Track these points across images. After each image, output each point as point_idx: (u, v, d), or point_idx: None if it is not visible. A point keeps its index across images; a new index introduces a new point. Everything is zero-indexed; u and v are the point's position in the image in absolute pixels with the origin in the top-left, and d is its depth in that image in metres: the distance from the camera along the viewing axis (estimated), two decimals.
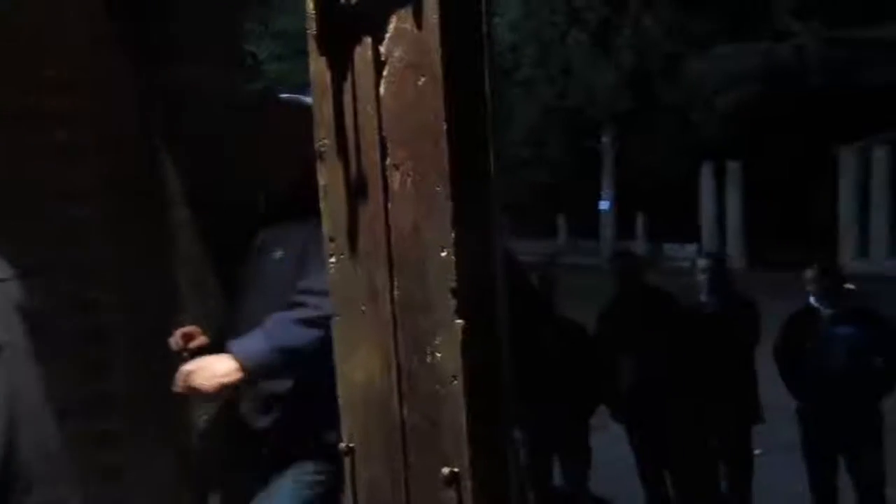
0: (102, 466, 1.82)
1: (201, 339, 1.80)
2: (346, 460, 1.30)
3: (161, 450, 1.94)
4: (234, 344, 1.69)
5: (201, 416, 1.99)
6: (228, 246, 2.12)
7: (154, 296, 1.97)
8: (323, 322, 1.62)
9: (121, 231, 1.86)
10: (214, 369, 1.64)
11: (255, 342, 1.66)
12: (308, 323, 1.64)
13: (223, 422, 1.94)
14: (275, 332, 1.66)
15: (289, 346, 1.64)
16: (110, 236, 1.84)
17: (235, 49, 2.36)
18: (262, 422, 1.82)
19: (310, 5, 1.20)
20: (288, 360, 1.67)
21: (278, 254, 1.82)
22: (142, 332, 1.88)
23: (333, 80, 1.19)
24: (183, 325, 1.88)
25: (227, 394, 1.72)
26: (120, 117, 1.88)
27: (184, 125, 2.01)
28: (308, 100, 1.34)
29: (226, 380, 1.63)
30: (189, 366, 1.66)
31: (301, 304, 1.67)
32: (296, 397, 1.79)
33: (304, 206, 1.69)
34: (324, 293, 1.65)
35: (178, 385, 1.65)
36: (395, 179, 1.11)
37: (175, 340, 1.81)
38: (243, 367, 1.63)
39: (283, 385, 1.78)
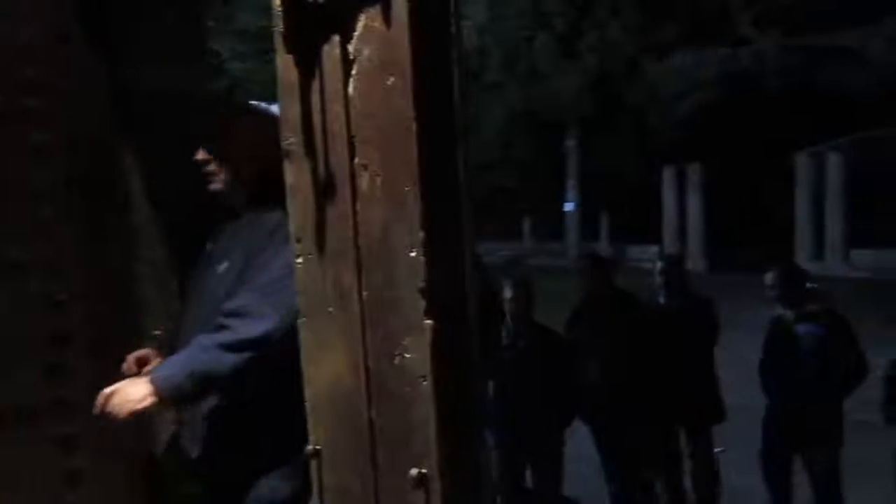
0: (63, 472, 1.77)
1: (157, 362, 1.74)
2: (313, 464, 1.28)
3: (121, 457, 1.89)
4: (155, 368, 1.65)
5: (166, 431, 1.94)
6: (192, 248, 2.08)
7: (119, 297, 1.93)
8: (245, 346, 1.57)
9: (88, 231, 1.82)
10: (128, 394, 1.56)
11: (172, 367, 1.60)
12: (227, 348, 1.58)
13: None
14: (192, 356, 1.59)
15: (204, 372, 1.57)
16: (78, 236, 1.79)
17: (199, 48, 2.33)
18: (194, 451, 1.76)
19: (276, 2, 1.18)
20: (203, 387, 1.60)
21: (222, 266, 1.75)
22: (105, 334, 1.83)
23: (301, 78, 1.18)
24: (143, 340, 1.83)
25: (163, 413, 1.64)
26: (88, 117, 1.83)
27: (148, 125, 1.97)
28: (273, 108, 1.30)
29: (138, 406, 1.55)
30: (109, 389, 1.59)
31: (224, 328, 1.60)
32: (224, 426, 1.72)
33: (265, 208, 1.66)
34: (250, 314, 1.58)
35: (97, 409, 1.58)
36: (364, 179, 1.10)
37: (128, 365, 1.75)
38: (158, 393, 1.56)
39: (207, 412, 1.71)
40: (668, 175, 16.84)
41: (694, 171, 16.37)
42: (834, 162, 14.67)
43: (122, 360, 1.75)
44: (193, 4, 2.26)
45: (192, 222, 2.03)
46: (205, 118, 2.01)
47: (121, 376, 1.66)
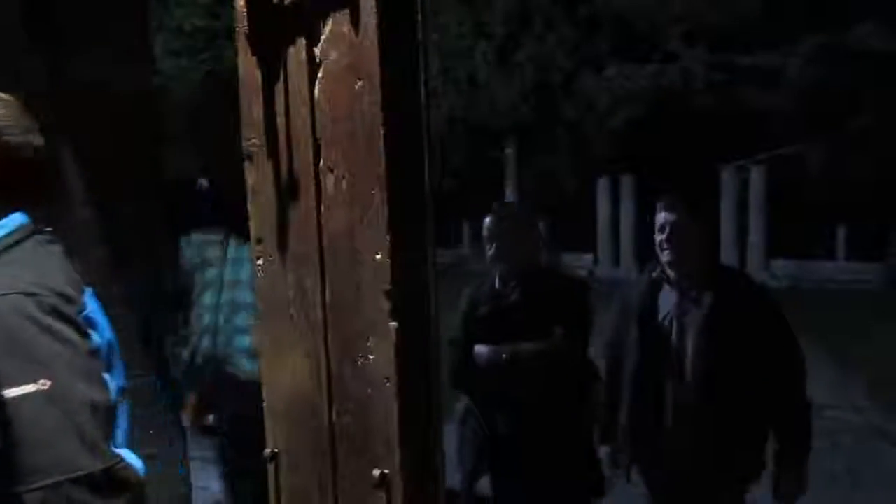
0: None
1: None
2: (270, 467, 1.27)
3: None
4: None
5: None
6: (133, 249, 2.02)
7: None
8: None
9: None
10: None
11: None
12: None
13: None
14: None
15: None
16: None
17: (143, 43, 2.26)
18: None
19: (240, 3, 1.18)
20: None
21: None
22: None
23: (264, 79, 1.17)
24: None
25: None
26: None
27: (88, 121, 1.90)
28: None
29: None
30: None
31: None
32: None
33: None
34: None
35: None
36: (330, 182, 1.11)
37: None
38: None
39: None
40: (601, 185, 17.32)
41: (626, 182, 16.89)
42: (756, 176, 15.42)
43: None
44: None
45: (133, 225, 1.97)
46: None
47: None
